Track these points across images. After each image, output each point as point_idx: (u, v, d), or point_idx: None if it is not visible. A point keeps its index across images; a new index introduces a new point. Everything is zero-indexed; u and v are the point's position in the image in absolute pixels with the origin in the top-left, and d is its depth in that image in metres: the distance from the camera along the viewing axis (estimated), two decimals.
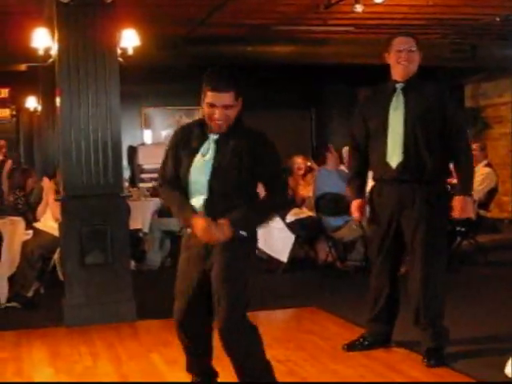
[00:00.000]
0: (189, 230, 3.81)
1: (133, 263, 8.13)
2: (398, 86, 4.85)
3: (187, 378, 4.16)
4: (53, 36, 6.62)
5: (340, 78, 13.14)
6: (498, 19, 9.84)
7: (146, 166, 12.81)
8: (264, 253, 8.57)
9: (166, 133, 13.85)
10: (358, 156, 5.08)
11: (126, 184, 6.86)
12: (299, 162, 9.78)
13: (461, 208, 4.76)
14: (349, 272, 8.33)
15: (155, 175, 11.48)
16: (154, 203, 9.16)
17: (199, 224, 3.66)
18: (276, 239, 8.38)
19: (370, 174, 5.17)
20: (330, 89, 13.93)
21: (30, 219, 7.96)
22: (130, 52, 8.00)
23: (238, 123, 3.78)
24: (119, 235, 6.32)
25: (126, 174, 12.35)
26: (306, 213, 8.73)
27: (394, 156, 4.77)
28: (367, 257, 8.35)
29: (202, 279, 3.79)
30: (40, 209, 7.67)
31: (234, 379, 3.85)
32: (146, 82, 12.42)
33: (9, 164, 10.69)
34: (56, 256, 7.24)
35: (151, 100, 13.78)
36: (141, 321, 6.17)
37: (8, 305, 6.92)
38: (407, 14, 9.46)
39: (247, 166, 3.71)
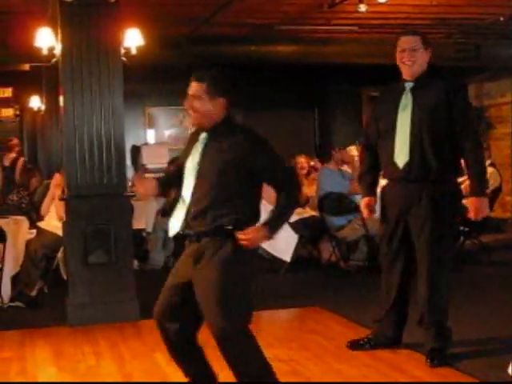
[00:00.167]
0: None
1: (136, 263, 8.13)
2: (407, 85, 4.85)
3: None
4: (56, 36, 6.63)
5: (343, 78, 13.14)
6: (502, 19, 9.82)
7: (149, 166, 12.78)
8: (267, 252, 8.57)
9: (169, 132, 13.85)
10: (370, 154, 5.10)
11: (130, 183, 6.88)
12: (302, 161, 9.79)
13: (475, 209, 4.72)
14: (352, 272, 8.32)
15: (158, 175, 11.51)
16: (158, 203, 9.16)
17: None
18: (279, 239, 8.27)
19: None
20: (334, 89, 13.92)
21: (34, 218, 7.97)
22: (134, 51, 8.02)
23: (225, 122, 3.76)
24: (122, 235, 6.33)
25: (130, 173, 12.35)
26: (309, 212, 8.73)
27: (401, 156, 4.78)
28: (370, 256, 8.37)
29: (187, 283, 3.74)
30: (45, 204, 7.67)
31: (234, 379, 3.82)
32: (150, 81, 12.42)
33: (21, 162, 10.82)
34: (59, 255, 7.25)
35: (155, 99, 13.78)
36: (144, 320, 6.16)
37: (11, 304, 6.93)
38: (411, 14, 9.45)
39: (232, 164, 3.64)
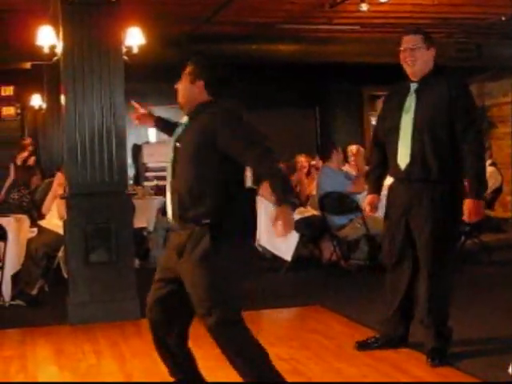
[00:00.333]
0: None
1: (137, 261, 8.14)
2: (412, 86, 4.85)
3: None
4: (58, 34, 6.63)
5: (345, 77, 13.14)
6: (503, 18, 9.82)
7: (150, 165, 12.80)
8: (268, 251, 8.58)
9: None
10: (378, 151, 5.12)
11: (131, 182, 6.88)
12: (302, 160, 9.80)
13: (469, 212, 4.68)
14: (353, 271, 8.31)
15: (160, 173, 11.51)
16: (159, 201, 9.16)
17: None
18: (280, 238, 8.37)
19: None
20: (335, 88, 13.91)
21: (35, 217, 7.98)
22: (135, 50, 8.02)
23: (204, 104, 3.77)
24: (124, 233, 6.33)
25: (131, 172, 12.36)
26: (310, 211, 8.73)
27: (403, 157, 4.80)
28: (371, 256, 8.37)
29: (174, 277, 3.75)
30: (47, 203, 7.67)
31: (235, 379, 3.82)
32: (151, 80, 12.40)
33: (32, 161, 10.91)
34: (60, 254, 7.25)
35: (156, 98, 13.76)
36: (145, 319, 6.13)
37: (12, 303, 6.94)
38: (412, 13, 9.45)
39: (203, 146, 3.61)
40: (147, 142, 13.59)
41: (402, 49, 4.84)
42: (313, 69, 12.21)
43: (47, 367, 5.10)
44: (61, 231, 6.76)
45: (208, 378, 4.04)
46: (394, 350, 5.01)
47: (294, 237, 8.25)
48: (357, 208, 8.05)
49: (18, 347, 5.60)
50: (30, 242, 7.24)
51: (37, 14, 8.11)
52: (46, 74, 11.13)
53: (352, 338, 5.29)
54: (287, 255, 8.26)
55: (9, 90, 13.70)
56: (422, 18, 9.66)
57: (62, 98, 6.37)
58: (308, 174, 9.92)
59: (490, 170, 8.71)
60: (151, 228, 9.10)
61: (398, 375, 4.58)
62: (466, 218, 4.71)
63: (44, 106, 12.49)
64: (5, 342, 5.75)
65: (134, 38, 8.04)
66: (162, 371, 4.01)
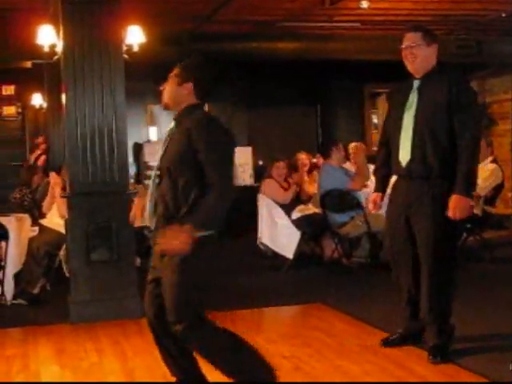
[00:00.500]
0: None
1: (138, 260, 8.12)
2: (415, 83, 4.86)
3: None
4: (58, 33, 6.63)
5: (346, 75, 13.12)
6: (503, 15, 9.82)
7: (151, 163, 12.79)
8: (270, 249, 8.58)
9: None
10: (385, 149, 5.14)
11: (132, 181, 6.87)
12: (303, 158, 9.78)
13: (454, 208, 4.62)
14: (354, 268, 8.31)
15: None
16: None
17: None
18: (282, 236, 8.38)
19: None
20: (336, 85, 13.90)
21: (36, 216, 7.98)
22: (136, 49, 8.02)
23: (189, 108, 3.75)
24: (125, 232, 6.33)
25: (132, 170, 12.35)
26: (311, 209, 8.72)
27: (404, 154, 4.82)
28: (372, 253, 8.36)
29: (160, 278, 3.76)
30: (46, 203, 7.68)
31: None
32: (152, 78, 12.38)
33: (42, 159, 10.94)
34: (62, 253, 7.25)
35: (157, 97, 13.73)
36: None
37: (14, 302, 6.94)
38: (413, 10, 9.45)
39: (185, 149, 3.60)
40: (148, 141, 13.59)
41: (403, 46, 4.85)
42: (313, 66, 12.21)
43: (49, 366, 5.10)
44: (62, 230, 6.76)
45: (208, 379, 4.03)
46: (396, 347, 5.01)
47: (295, 234, 8.25)
48: (358, 205, 8.05)
49: (20, 346, 5.60)
50: (31, 241, 7.24)
51: (37, 12, 8.12)
52: (46, 73, 11.11)
53: (354, 335, 5.29)
54: (289, 253, 8.26)
55: (10, 90, 13.73)
56: (423, 14, 9.66)
57: (63, 97, 6.36)
58: (309, 172, 9.91)
59: (491, 167, 8.70)
60: (152, 226, 9.07)
61: (400, 372, 4.58)
62: (450, 213, 4.64)
63: (45, 105, 12.48)
64: (7, 341, 5.75)
65: (135, 36, 8.04)
66: (164, 369, 4.01)
